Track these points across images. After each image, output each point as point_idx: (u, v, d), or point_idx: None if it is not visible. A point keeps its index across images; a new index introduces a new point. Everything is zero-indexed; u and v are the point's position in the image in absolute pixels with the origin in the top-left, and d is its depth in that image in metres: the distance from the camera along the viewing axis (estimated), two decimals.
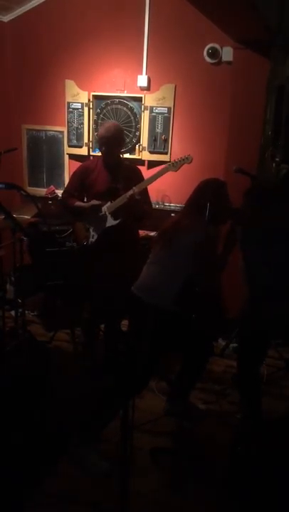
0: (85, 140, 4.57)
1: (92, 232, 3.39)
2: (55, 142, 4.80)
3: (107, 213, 3.30)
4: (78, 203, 3.41)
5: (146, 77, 4.31)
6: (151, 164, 4.42)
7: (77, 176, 3.45)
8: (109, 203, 3.27)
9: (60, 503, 2.32)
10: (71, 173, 3.58)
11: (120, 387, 2.30)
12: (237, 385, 3.11)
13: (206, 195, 2.61)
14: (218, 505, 2.33)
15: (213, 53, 4.04)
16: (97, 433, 2.60)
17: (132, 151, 4.43)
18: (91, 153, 4.57)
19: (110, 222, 3.28)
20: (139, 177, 3.32)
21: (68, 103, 4.56)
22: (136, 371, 2.52)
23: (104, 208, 3.29)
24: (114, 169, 3.29)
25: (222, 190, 2.71)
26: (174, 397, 3.02)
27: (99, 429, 2.58)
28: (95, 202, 3.31)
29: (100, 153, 3.40)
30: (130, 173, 3.32)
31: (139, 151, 4.40)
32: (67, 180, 4.79)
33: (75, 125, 4.59)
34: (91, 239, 3.38)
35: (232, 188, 4.04)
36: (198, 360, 2.94)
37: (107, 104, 4.43)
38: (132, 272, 2.84)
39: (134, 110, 4.37)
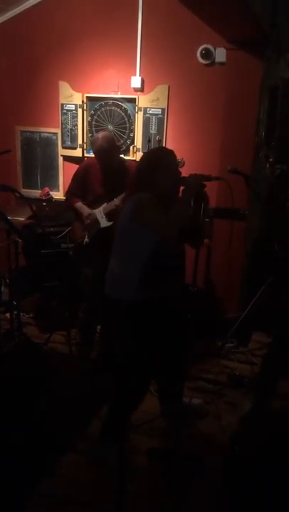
0: (79, 141, 4.57)
1: (87, 233, 3.41)
2: (49, 144, 4.79)
3: (102, 214, 3.32)
4: (78, 205, 3.46)
5: (139, 78, 4.31)
6: None
7: (79, 176, 3.51)
8: (105, 204, 3.30)
9: (60, 503, 2.31)
10: (71, 171, 3.65)
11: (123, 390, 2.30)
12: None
13: (146, 169, 2.46)
14: (216, 506, 2.33)
15: (207, 54, 4.05)
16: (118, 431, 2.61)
17: (126, 152, 4.43)
18: (85, 154, 4.56)
19: (104, 223, 3.32)
20: None
21: (62, 104, 4.55)
22: (132, 377, 2.51)
23: (100, 209, 3.32)
24: (112, 173, 3.31)
25: (163, 160, 2.49)
26: (166, 399, 3.00)
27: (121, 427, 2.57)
28: (90, 212, 3.36)
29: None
30: (128, 174, 3.32)
31: (134, 152, 4.40)
32: (61, 182, 4.79)
33: (69, 127, 4.58)
34: (86, 239, 3.40)
35: (227, 189, 4.07)
36: (174, 358, 2.84)
37: (101, 106, 4.43)
38: None
39: (128, 111, 4.37)
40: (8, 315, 3.80)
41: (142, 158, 2.64)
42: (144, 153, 2.74)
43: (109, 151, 3.26)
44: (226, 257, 4.28)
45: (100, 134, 3.33)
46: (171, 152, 2.55)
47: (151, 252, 2.41)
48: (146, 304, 2.45)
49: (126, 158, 4.28)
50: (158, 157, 2.52)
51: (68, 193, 3.59)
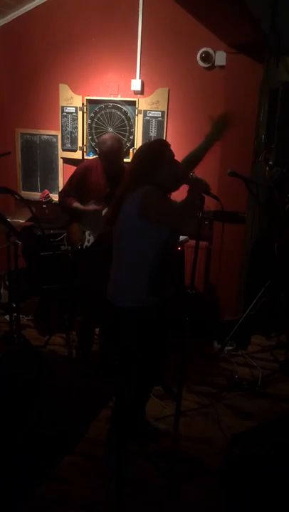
0: (79, 144, 4.58)
1: (88, 237, 3.37)
2: (49, 146, 4.80)
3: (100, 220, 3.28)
4: (77, 205, 3.38)
5: (139, 81, 4.32)
6: None
7: (77, 177, 3.42)
8: (106, 209, 3.26)
9: (59, 505, 2.31)
10: (71, 173, 3.51)
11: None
12: None
13: (145, 162, 2.33)
14: (216, 507, 2.33)
15: (206, 57, 4.06)
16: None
17: (126, 155, 4.43)
18: (85, 157, 4.57)
19: (102, 229, 3.27)
20: None
21: (62, 107, 4.56)
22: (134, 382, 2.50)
23: (102, 213, 3.28)
24: (116, 175, 3.27)
25: (163, 152, 2.38)
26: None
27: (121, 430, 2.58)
28: (95, 207, 3.29)
29: (95, 156, 3.39)
30: None
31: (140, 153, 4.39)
32: (61, 184, 4.79)
33: (69, 129, 4.60)
34: (86, 243, 3.37)
35: (226, 191, 4.10)
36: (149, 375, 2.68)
37: (100, 108, 4.44)
38: None
39: (128, 114, 4.38)
40: (7, 317, 3.81)
41: (141, 149, 2.47)
42: (142, 145, 2.62)
43: (119, 152, 3.23)
44: (225, 259, 4.29)
45: (108, 136, 3.30)
46: (169, 145, 2.44)
47: (156, 252, 2.31)
48: (154, 308, 2.37)
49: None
50: (160, 149, 2.39)
51: (63, 193, 3.47)
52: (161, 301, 2.42)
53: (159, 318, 2.48)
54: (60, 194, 3.52)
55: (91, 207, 3.32)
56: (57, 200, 4.71)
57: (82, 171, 3.41)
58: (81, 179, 3.38)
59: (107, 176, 3.29)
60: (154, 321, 2.44)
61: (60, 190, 4.74)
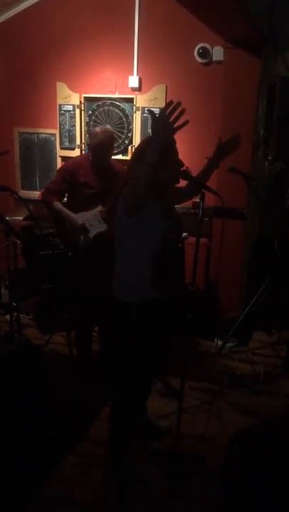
0: (78, 142, 4.57)
1: (82, 236, 3.32)
2: (47, 145, 4.79)
3: (98, 217, 3.23)
4: (59, 207, 3.26)
5: (137, 77, 4.30)
6: None
7: (68, 171, 3.27)
8: (100, 207, 3.22)
9: (60, 505, 2.30)
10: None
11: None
12: None
13: (133, 160, 2.34)
14: (217, 507, 2.32)
15: (204, 53, 4.04)
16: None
17: (124, 152, 4.42)
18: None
19: (102, 227, 3.23)
20: None
21: (60, 105, 4.55)
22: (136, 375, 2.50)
23: (96, 214, 3.23)
24: (103, 171, 3.24)
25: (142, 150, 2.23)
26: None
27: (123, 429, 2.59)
28: (82, 226, 3.23)
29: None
30: (120, 175, 3.19)
31: (132, 152, 4.39)
32: None
33: (67, 127, 4.58)
34: (82, 241, 3.32)
35: (225, 187, 4.08)
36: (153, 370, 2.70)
37: (98, 106, 4.43)
38: None
39: (126, 111, 4.36)
40: (8, 317, 3.80)
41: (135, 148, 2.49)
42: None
43: (107, 148, 3.17)
44: (226, 256, 4.27)
45: (100, 129, 3.24)
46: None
47: (156, 247, 2.32)
48: (160, 303, 2.40)
49: (121, 158, 4.27)
50: (141, 147, 2.30)
51: (48, 190, 3.30)
52: (167, 296, 2.43)
53: (164, 314, 2.49)
54: (46, 192, 3.33)
55: (76, 221, 3.22)
56: None
57: (71, 167, 3.28)
58: (69, 176, 3.25)
59: (94, 171, 3.24)
60: (160, 316, 2.45)
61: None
